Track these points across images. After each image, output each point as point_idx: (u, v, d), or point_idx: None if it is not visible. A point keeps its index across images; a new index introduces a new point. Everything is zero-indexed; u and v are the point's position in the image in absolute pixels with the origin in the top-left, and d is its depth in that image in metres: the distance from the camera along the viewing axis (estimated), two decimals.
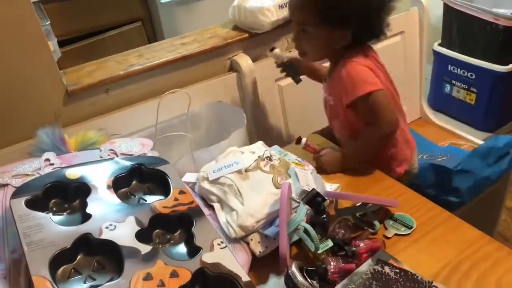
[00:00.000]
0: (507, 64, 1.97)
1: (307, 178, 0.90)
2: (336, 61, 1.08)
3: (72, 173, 0.81)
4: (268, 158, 0.93)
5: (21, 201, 0.73)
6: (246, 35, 1.37)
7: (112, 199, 0.79)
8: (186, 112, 1.27)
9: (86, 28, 1.97)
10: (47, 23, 1.26)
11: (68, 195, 0.80)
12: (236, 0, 1.37)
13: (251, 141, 1.10)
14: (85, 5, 1.93)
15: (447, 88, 2.22)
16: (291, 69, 1.27)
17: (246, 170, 0.88)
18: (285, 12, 1.37)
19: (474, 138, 1.67)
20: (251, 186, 0.86)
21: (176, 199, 0.81)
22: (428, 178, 1.26)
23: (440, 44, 2.21)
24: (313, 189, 0.81)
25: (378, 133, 1.03)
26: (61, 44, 1.72)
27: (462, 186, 1.21)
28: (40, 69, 1.14)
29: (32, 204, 0.73)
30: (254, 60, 1.38)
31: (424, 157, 1.43)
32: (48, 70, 1.15)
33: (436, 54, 2.22)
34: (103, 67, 1.27)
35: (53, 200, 0.78)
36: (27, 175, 0.83)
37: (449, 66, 2.17)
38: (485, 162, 1.24)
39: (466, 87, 2.14)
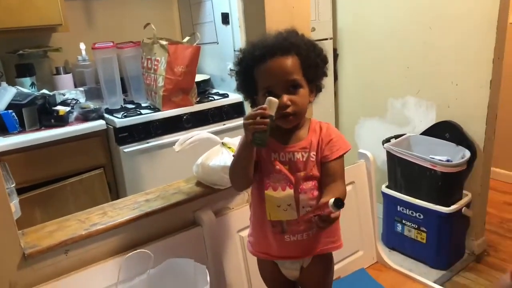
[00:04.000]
0: (449, 206, 2.13)
1: None
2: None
3: None
4: None
5: None
6: (209, 190, 1.44)
7: None
8: (148, 271, 1.25)
9: (46, 175, 1.97)
10: (12, 185, 1.27)
11: None
12: (200, 158, 1.46)
13: None
14: (46, 154, 1.96)
15: (399, 227, 2.34)
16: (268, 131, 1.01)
17: None
18: None
19: (427, 281, 1.72)
20: None
21: None
22: None
23: (387, 186, 2.38)
24: None
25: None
26: (18, 191, 1.70)
27: None
28: None
29: None
30: (216, 214, 1.42)
31: None
32: (6, 235, 1.12)
33: (385, 195, 2.37)
34: (65, 226, 1.26)
35: None
36: None
37: (398, 206, 2.31)
38: None
39: (416, 226, 2.25)
